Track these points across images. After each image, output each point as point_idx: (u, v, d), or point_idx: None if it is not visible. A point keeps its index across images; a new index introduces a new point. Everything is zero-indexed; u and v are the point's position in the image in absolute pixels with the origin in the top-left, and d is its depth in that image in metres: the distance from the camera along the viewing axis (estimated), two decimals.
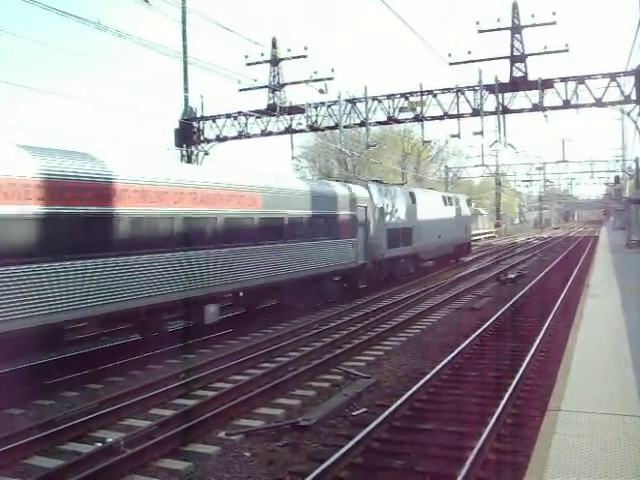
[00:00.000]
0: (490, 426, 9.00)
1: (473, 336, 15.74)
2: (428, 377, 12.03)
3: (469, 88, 31.27)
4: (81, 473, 8.08)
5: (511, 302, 21.07)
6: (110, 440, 9.55)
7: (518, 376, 11.62)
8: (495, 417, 9.38)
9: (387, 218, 28.59)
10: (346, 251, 24.30)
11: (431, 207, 35.66)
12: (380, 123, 35.23)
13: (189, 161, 35.56)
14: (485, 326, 17.00)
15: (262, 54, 33.79)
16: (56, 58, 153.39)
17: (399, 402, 10.53)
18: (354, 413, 10.76)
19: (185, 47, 33.03)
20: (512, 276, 30.19)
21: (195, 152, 36.22)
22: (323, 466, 7.91)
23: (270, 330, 18.87)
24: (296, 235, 20.79)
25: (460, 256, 43.00)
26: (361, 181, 29.01)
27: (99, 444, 9.49)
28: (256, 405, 11.29)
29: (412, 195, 33.17)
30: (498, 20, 30.24)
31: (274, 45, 34.68)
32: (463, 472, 7.48)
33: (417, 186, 54.91)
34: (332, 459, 8.12)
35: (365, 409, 10.92)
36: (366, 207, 26.20)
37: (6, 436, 9.59)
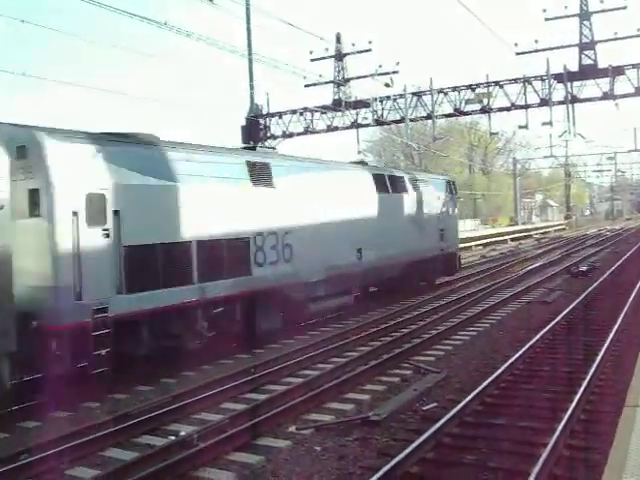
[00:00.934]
0: (563, 422, 8.84)
1: (545, 330, 15.47)
2: (499, 372, 11.88)
3: (536, 78, 30.76)
4: (155, 466, 8.23)
5: (583, 295, 20.64)
6: (183, 433, 9.71)
7: (592, 371, 11.38)
8: (569, 413, 9.21)
9: (134, 222, 12.86)
10: None
11: (328, 195, 19.20)
12: (446, 115, 34.98)
13: None
14: (557, 319, 16.71)
15: (326, 49, 33.93)
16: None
17: (470, 397, 10.44)
18: (424, 408, 10.71)
19: (250, 44, 33.31)
20: (584, 269, 29.51)
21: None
22: (394, 461, 7.88)
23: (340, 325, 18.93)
24: None
25: (432, 278, 26.75)
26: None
27: (173, 437, 9.65)
28: (326, 400, 11.35)
29: (259, 170, 16.64)
30: (566, 7, 29.70)
31: (338, 40, 34.79)
32: (536, 469, 7.36)
33: (484, 181, 52.73)
34: (403, 454, 8.09)
35: (435, 404, 10.86)
36: None
37: (83, 428, 9.88)
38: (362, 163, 24.03)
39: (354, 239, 20.19)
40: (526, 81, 30.91)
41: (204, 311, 14.49)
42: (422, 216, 25.07)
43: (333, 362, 14.20)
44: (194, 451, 8.80)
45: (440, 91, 32.64)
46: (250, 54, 32.47)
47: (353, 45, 34.40)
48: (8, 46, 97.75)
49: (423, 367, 13.31)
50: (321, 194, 18.89)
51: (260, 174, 16.61)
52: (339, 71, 34.87)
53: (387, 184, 22.69)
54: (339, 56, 34.76)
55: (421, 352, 14.86)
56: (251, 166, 16.43)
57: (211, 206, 14.81)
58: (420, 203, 25.03)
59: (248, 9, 32.78)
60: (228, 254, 15.20)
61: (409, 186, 24.34)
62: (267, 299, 16.42)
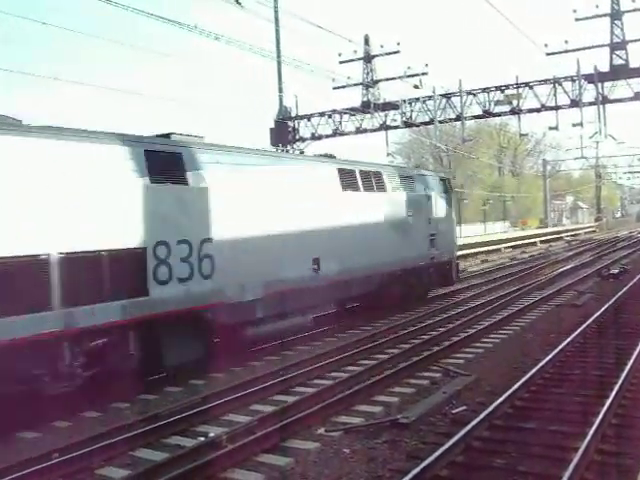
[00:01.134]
0: (595, 426, 8.75)
1: (575, 333, 15.33)
2: (529, 375, 11.80)
3: (567, 78, 30.54)
4: (185, 466, 8.27)
5: (614, 298, 20.42)
6: (212, 435, 9.75)
7: (624, 375, 11.26)
8: (600, 417, 9.12)
9: None
10: None
11: (271, 193, 15.48)
12: (475, 117, 34.90)
13: None
14: (588, 323, 16.55)
15: (355, 51, 33.97)
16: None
17: (500, 400, 10.37)
18: (454, 411, 10.65)
19: (279, 47, 33.42)
20: (615, 271, 29.17)
21: (291, 151, 36.65)
22: (423, 464, 7.85)
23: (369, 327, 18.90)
24: None
25: (422, 291, 23.29)
26: None
27: (202, 438, 9.70)
28: (355, 402, 11.32)
29: (163, 162, 12.83)
30: (597, 7, 29.47)
31: (367, 42, 34.84)
32: (568, 473, 7.30)
33: (514, 183, 52.33)
34: (432, 457, 8.06)
35: (465, 407, 10.80)
36: None
37: (114, 429, 9.96)
38: (329, 156, 19.82)
39: (309, 247, 16.60)
40: (556, 82, 30.71)
41: (74, 344, 10.98)
42: (405, 219, 21.30)
43: (362, 364, 14.21)
44: (223, 452, 8.82)
45: (469, 93, 32.55)
46: (279, 56, 32.60)
47: (382, 47, 34.47)
48: (6, 44, 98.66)
49: (452, 370, 13.25)
50: (260, 192, 15.15)
51: (165, 167, 12.82)
52: (368, 73, 34.91)
53: (358, 181, 18.93)
54: (368, 58, 34.81)
55: (451, 355, 14.79)
56: (151, 157, 12.53)
57: (81, 209, 11.07)
58: (402, 204, 21.22)
59: (276, 11, 32.90)
60: (111, 270, 11.39)
61: (388, 184, 20.46)
62: (176, 326, 12.85)
